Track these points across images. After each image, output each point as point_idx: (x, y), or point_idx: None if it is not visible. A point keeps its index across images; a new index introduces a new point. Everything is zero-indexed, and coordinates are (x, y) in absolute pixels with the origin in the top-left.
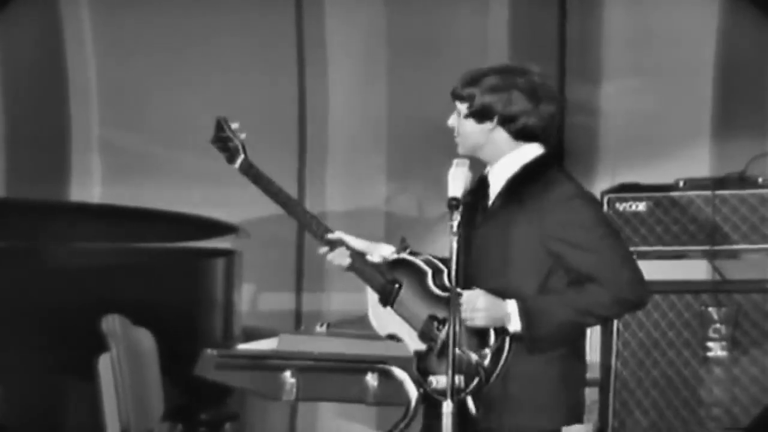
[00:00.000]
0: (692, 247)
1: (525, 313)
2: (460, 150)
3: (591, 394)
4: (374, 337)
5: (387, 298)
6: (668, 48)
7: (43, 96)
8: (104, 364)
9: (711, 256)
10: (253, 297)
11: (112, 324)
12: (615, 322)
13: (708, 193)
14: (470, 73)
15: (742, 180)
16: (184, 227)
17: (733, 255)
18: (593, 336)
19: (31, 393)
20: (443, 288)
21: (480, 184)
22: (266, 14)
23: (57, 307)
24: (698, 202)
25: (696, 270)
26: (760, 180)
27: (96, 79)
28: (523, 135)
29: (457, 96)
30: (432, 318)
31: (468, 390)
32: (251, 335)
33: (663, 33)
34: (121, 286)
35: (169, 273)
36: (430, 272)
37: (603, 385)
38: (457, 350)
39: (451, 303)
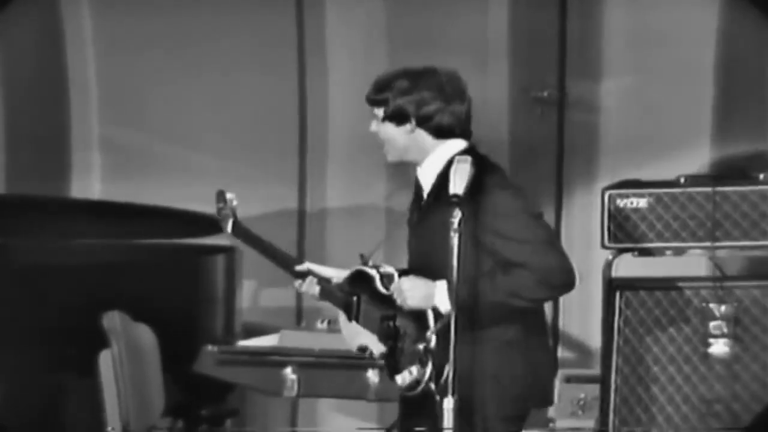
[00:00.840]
0: (693, 244)
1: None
2: (390, 157)
3: (592, 390)
4: None
5: (350, 313)
6: (668, 47)
7: (44, 94)
8: (105, 360)
9: (711, 252)
10: (254, 293)
11: (112, 320)
12: (616, 319)
13: (708, 189)
14: (380, 78)
15: (743, 176)
16: (184, 224)
17: (734, 251)
18: (594, 332)
19: (31, 390)
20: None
21: (416, 186)
22: (267, 14)
23: (58, 304)
24: (699, 198)
25: (697, 266)
26: (761, 176)
27: (96, 77)
28: (441, 132)
29: (371, 102)
30: (384, 318)
31: (427, 378)
32: (252, 332)
33: (663, 32)
34: (121, 283)
35: (169, 270)
36: (377, 276)
37: (604, 381)
38: (399, 345)
39: (452, 301)
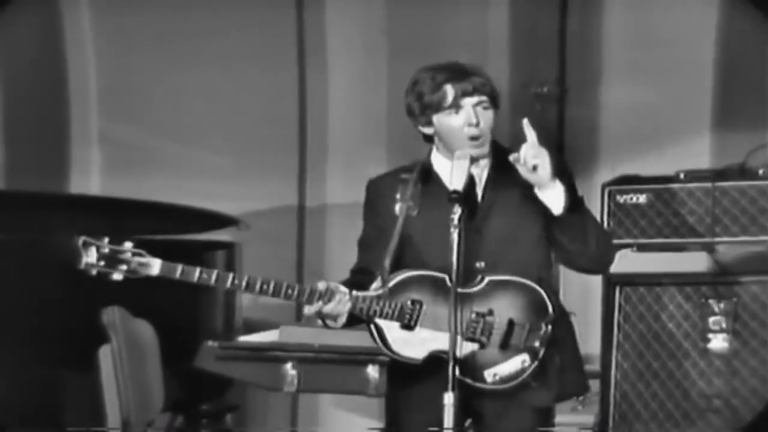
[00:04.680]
0: (692, 239)
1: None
2: (482, 150)
3: (592, 386)
4: None
5: (410, 321)
6: (668, 44)
7: (43, 90)
8: (105, 355)
9: (711, 247)
10: None
11: (112, 316)
12: (615, 315)
13: (708, 184)
14: (469, 66)
15: (742, 172)
16: (184, 220)
17: (733, 247)
18: (594, 328)
19: (31, 385)
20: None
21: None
22: (267, 11)
23: (57, 299)
24: (698, 193)
25: (696, 262)
26: (760, 171)
27: (96, 73)
28: None
29: (481, 90)
30: (479, 314)
31: (528, 372)
32: (252, 327)
33: (663, 30)
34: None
35: None
36: (447, 276)
37: (604, 376)
38: (522, 330)
39: (452, 298)
